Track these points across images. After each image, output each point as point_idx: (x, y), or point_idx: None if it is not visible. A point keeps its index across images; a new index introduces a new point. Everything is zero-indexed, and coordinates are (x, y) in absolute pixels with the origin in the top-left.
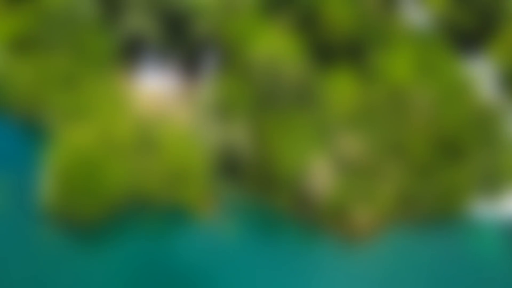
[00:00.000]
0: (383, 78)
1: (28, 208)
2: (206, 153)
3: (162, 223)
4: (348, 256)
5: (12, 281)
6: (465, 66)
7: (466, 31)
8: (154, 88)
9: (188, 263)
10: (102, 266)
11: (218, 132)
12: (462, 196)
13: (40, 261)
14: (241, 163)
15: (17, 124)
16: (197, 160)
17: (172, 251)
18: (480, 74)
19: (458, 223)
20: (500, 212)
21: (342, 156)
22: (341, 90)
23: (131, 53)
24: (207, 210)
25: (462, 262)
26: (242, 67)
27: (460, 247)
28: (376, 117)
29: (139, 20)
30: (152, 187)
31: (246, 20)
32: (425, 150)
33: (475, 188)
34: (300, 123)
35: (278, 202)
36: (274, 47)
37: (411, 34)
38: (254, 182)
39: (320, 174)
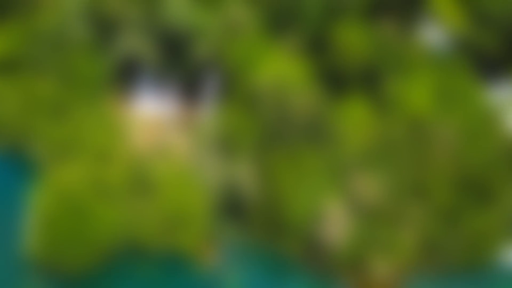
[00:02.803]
0: (401, 109)
1: (11, 255)
2: (207, 192)
3: (159, 271)
4: None
5: None
6: (490, 93)
7: (490, 54)
8: (150, 117)
9: None
10: None
11: (220, 169)
12: (491, 242)
13: None
14: (245, 205)
15: None
16: (197, 200)
17: None
18: (508, 103)
19: (487, 272)
20: None
21: (358, 198)
22: (356, 122)
23: (125, 78)
24: (207, 256)
25: None
26: (246, 94)
27: None
28: (394, 154)
29: (134, 42)
30: (148, 232)
31: (250, 42)
32: (450, 191)
33: (506, 234)
34: (311, 160)
35: (287, 249)
36: (281, 72)
37: (431, 59)
38: (260, 226)
39: (333, 219)
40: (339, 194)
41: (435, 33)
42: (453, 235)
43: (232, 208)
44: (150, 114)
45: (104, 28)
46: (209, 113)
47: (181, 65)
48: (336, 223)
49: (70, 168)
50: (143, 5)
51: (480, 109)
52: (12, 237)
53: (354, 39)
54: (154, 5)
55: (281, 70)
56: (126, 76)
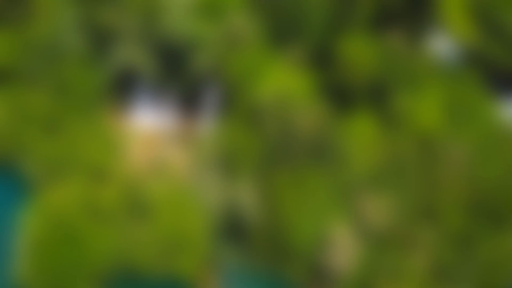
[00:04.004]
0: (409, 125)
1: (1, 279)
2: (207, 214)
3: None
4: None
5: None
6: (504, 108)
7: (502, 67)
8: (148, 131)
9: None
10: None
11: (220, 188)
12: (506, 269)
13: None
14: (247, 228)
15: None
16: (196, 223)
17: None
18: None
19: None
20: None
21: (366, 221)
22: (363, 140)
23: (122, 90)
24: (207, 283)
25: None
26: (248, 109)
27: None
28: (403, 174)
29: (131, 53)
30: (145, 257)
31: (252, 54)
32: (462, 214)
33: None
34: (316, 180)
35: (291, 275)
36: (284, 86)
37: (441, 72)
38: (262, 250)
39: (340, 243)
40: (345, 216)
41: (445, 44)
42: (465, 261)
43: (233, 231)
44: (148, 128)
45: (99, 38)
46: (209, 128)
47: (180, 77)
48: (342, 247)
49: (63, 189)
50: (140, 15)
51: (493, 125)
52: (2, 261)
53: (360, 52)
54: (152, 15)
55: (284, 84)
56: (123, 89)
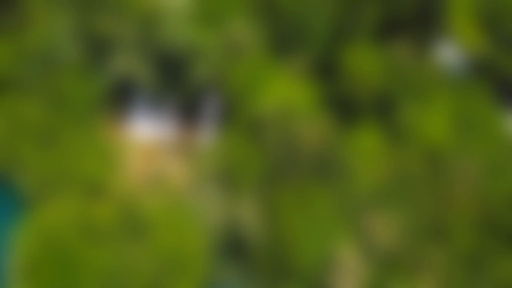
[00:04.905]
0: (417, 139)
1: None
2: (207, 233)
3: None
4: None
5: None
6: None
7: (511, 76)
8: (146, 142)
9: None
10: None
11: (221, 205)
12: None
13: None
14: (249, 247)
15: None
16: (195, 242)
17: None
18: None
19: None
20: None
21: (373, 241)
22: (368, 155)
23: (119, 100)
24: None
25: None
26: (249, 120)
27: None
28: (411, 191)
29: (129, 62)
30: (142, 278)
31: (253, 64)
32: (473, 233)
33: None
34: (321, 197)
35: None
36: (286, 97)
37: (448, 83)
38: (264, 270)
39: (346, 264)
40: (351, 235)
41: (453, 54)
42: (477, 283)
43: (234, 249)
44: (146, 140)
45: (97, 47)
46: (209, 140)
47: (179, 87)
48: (348, 268)
49: (58, 206)
50: (138, 23)
51: (503, 138)
52: None
53: (365, 62)
54: (150, 23)
55: (287, 95)
56: (120, 99)
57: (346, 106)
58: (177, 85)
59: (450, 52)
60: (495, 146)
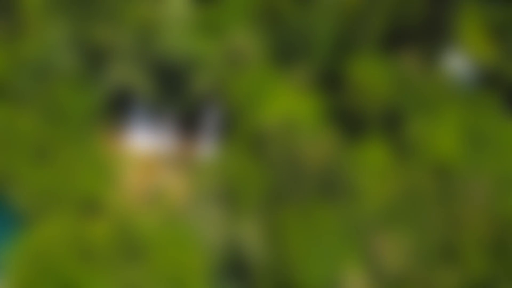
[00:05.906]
0: (425, 154)
1: None
2: (207, 253)
3: None
4: None
5: None
6: None
7: None
8: (144, 154)
9: None
10: None
11: (221, 225)
12: None
13: None
14: (251, 268)
15: None
16: (195, 264)
17: None
18: None
19: None
20: None
21: (380, 263)
22: (375, 172)
23: (117, 111)
24: None
25: None
26: (251, 133)
27: None
28: (419, 210)
29: (126, 73)
30: None
31: (255, 75)
32: (484, 255)
33: None
34: (326, 217)
35: None
36: (289, 109)
37: (457, 95)
38: None
39: (352, 287)
40: (358, 257)
41: (461, 65)
42: None
43: (235, 271)
44: (144, 152)
45: (93, 57)
46: (209, 154)
47: (178, 98)
48: None
49: (52, 225)
50: (136, 32)
51: None
52: None
53: (371, 74)
54: (149, 32)
55: (290, 108)
56: (118, 110)
57: (351, 120)
58: (176, 96)
59: (459, 64)
60: (507, 161)
